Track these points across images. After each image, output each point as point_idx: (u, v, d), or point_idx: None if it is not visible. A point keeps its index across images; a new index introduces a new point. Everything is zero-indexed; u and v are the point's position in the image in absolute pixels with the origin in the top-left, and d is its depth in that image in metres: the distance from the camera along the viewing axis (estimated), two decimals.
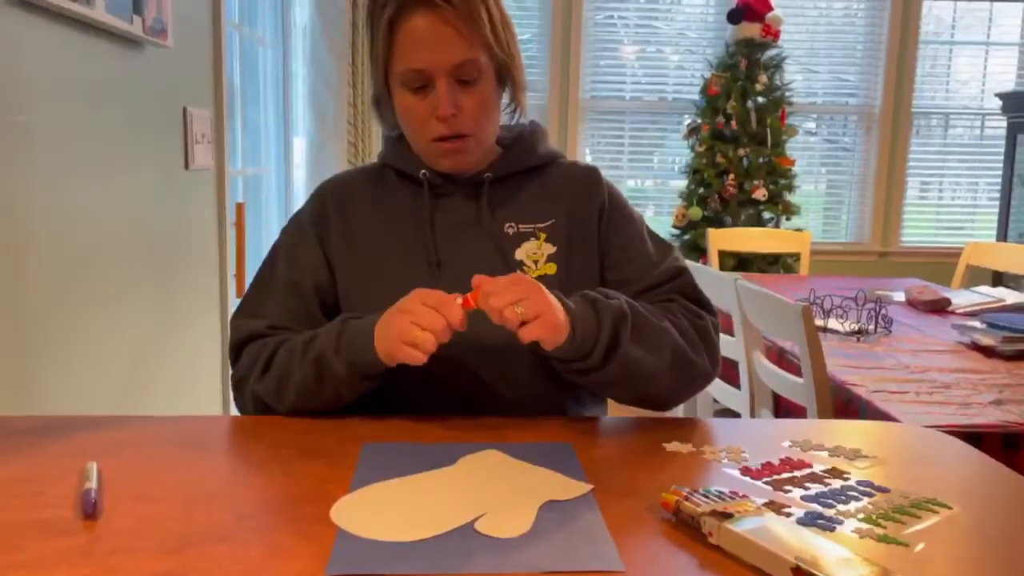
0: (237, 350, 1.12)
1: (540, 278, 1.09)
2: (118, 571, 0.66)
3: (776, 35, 4.24)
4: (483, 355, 1.07)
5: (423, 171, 1.12)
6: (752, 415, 2.14)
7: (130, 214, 1.80)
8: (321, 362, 1.01)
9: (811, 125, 4.81)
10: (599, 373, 1.01)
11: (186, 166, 2.08)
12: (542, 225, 1.13)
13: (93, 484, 0.79)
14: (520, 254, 1.11)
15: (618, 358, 1.00)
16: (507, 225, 1.12)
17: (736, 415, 2.27)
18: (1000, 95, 4.43)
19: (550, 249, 1.11)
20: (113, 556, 0.69)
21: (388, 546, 0.71)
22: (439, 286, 1.06)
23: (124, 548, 0.70)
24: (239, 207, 2.41)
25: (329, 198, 1.17)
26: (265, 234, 3.10)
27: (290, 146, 3.36)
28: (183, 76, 2.06)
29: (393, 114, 1.12)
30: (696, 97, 4.42)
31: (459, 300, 0.95)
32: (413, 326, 0.93)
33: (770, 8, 4.22)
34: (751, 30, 4.20)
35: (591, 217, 1.14)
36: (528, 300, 0.93)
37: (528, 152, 1.16)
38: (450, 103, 1.04)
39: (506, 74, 1.10)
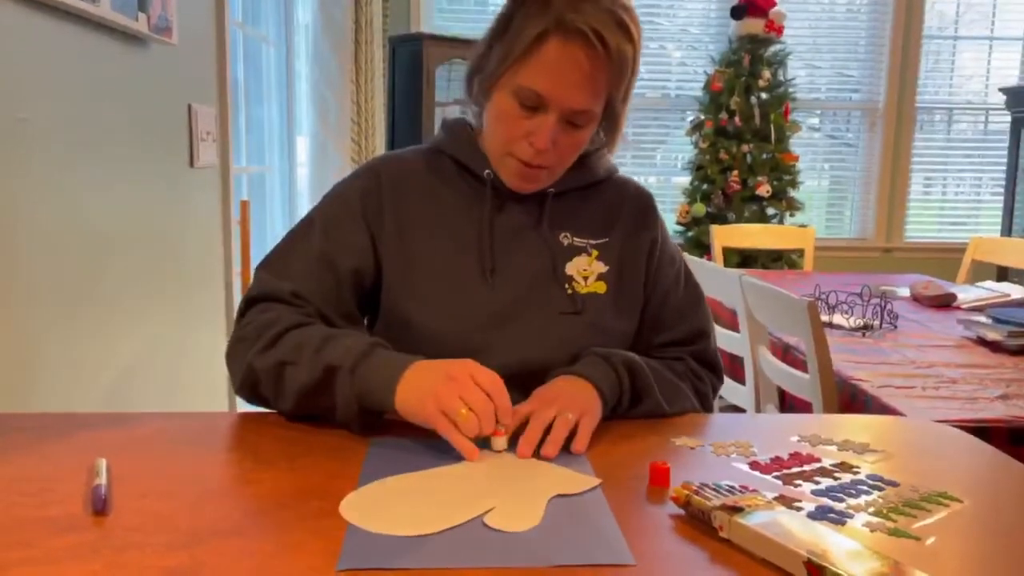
0: (250, 303, 1.05)
1: (589, 295, 1.08)
2: (128, 566, 0.66)
3: (779, 31, 4.23)
4: (514, 378, 1.03)
5: (487, 171, 1.08)
6: (758, 411, 2.14)
7: (134, 211, 1.80)
8: (332, 372, 0.94)
9: (815, 121, 4.80)
10: (629, 413, 1.05)
11: (191, 163, 2.08)
12: (595, 242, 1.11)
13: (103, 480, 0.79)
14: (571, 269, 1.09)
15: (645, 402, 1.04)
16: (562, 235, 1.10)
17: (741, 411, 2.27)
18: (1004, 90, 4.41)
19: (601, 268, 1.10)
20: (123, 552, 0.69)
21: (398, 540, 0.70)
22: (491, 291, 1.05)
23: (134, 544, 0.70)
24: (243, 205, 2.41)
25: (385, 177, 1.09)
26: (269, 232, 3.11)
27: (294, 144, 3.36)
28: (187, 73, 2.07)
29: (482, 96, 1.05)
30: (699, 93, 4.41)
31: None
32: (460, 401, 0.86)
33: (773, 4, 4.21)
34: (754, 26, 4.19)
35: (642, 248, 1.14)
36: (563, 406, 0.93)
37: (591, 169, 1.13)
38: (550, 139, 0.99)
39: (612, 123, 1.07)
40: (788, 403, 2.05)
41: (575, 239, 1.11)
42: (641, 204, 1.16)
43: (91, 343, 1.62)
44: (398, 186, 1.10)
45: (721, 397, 2.41)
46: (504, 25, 1.01)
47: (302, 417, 1.00)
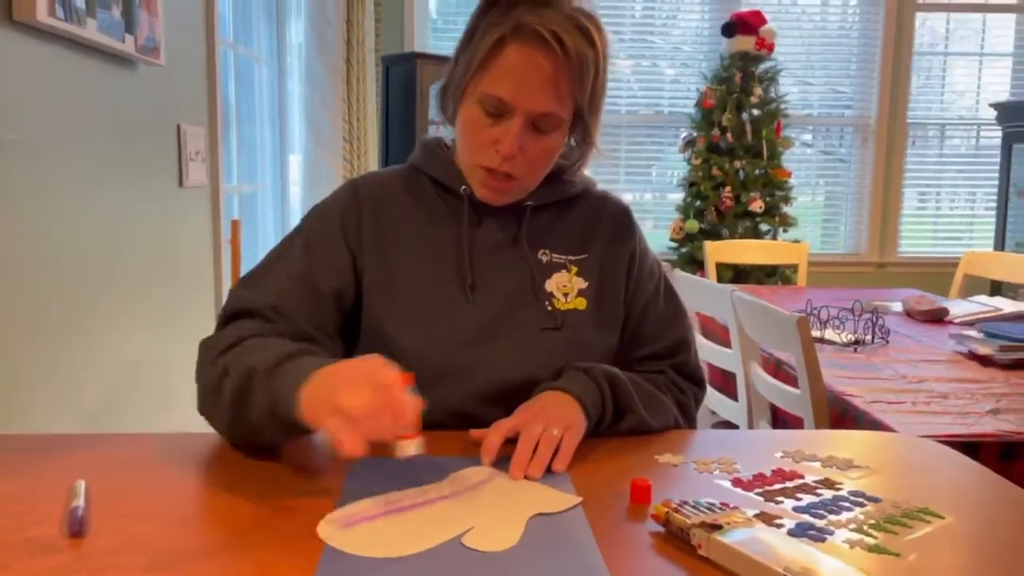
0: (228, 319, 1.02)
1: (569, 312, 1.08)
2: None
3: (770, 48, 4.26)
4: (486, 399, 1.04)
5: (464, 187, 1.08)
6: (750, 427, 2.14)
7: (122, 232, 1.80)
8: (251, 376, 0.88)
9: (808, 137, 4.82)
10: (613, 429, 1.04)
11: (180, 183, 2.08)
12: (574, 258, 1.11)
13: (81, 502, 0.79)
14: (550, 285, 1.09)
15: (628, 417, 1.04)
16: (541, 252, 1.10)
17: (734, 427, 2.26)
18: (995, 105, 4.44)
19: (581, 284, 1.10)
20: (99, 574, 0.68)
21: (374, 562, 0.70)
22: (472, 309, 1.05)
23: (110, 566, 0.69)
24: (234, 224, 2.41)
25: (364, 194, 1.09)
26: (262, 250, 3.11)
27: (286, 162, 3.37)
28: (177, 94, 2.07)
29: (453, 109, 1.06)
30: (692, 110, 4.44)
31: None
32: (354, 398, 0.78)
33: (764, 22, 4.24)
34: (745, 43, 4.22)
35: (622, 263, 1.13)
36: (549, 422, 0.93)
37: (568, 184, 1.13)
38: (516, 144, 0.99)
39: (582, 131, 1.07)
40: (781, 419, 2.05)
41: (554, 255, 1.11)
42: (619, 218, 1.16)
43: (78, 364, 1.62)
44: (377, 205, 1.09)
45: (714, 413, 2.41)
46: (469, 37, 1.02)
47: (247, 450, 0.94)
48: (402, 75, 3.88)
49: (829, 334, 2.24)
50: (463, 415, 1.03)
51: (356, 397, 0.78)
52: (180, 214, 2.11)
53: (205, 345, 1.00)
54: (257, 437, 0.91)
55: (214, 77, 2.26)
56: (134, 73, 1.82)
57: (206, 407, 0.97)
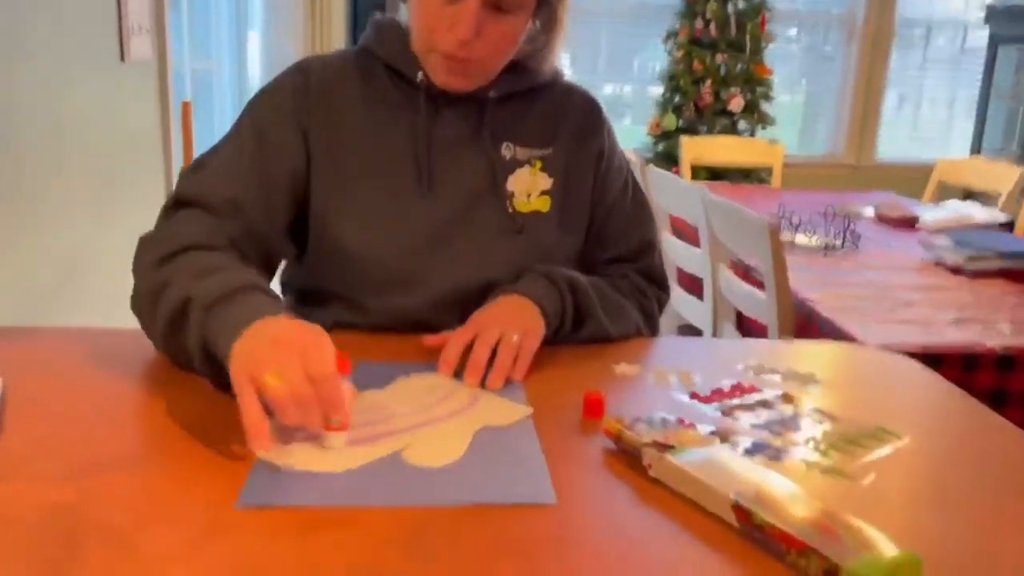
0: (176, 206, 0.93)
1: (531, 214, 1.01)
2: (11, 498, 0.61)
3: None
4: (440, 305, 0.99)
5: (420, 75, 0.99)
6: (714, 331, 2.12)
7: (56, 110, 1.67)
8: (186, 304, 0.79)
9: (793, 33, 4.67)
10: (572, 336, 1.00)
11: (122, 58, 1.94)
12: (539, 152, 1.04)
13: None
14: (512, 184, 1.01)
15: (588, 324, 1.00)
16: (504, 146, 1.02)
17: (698, 332, 2.25)
18: (987, 6, 4.30)
19: (545, 182, 1.03)
20: (8, 482, 0.64)
21: (307, 475, 0.66)
22: (427, 208, 0.98)
23: (20, 473, 0.65)
24: (185, 105, 2.27)
25: (315, 79, 1.00)
26: (218, 134, 2.97)
27: (244, 40, 3.17)
28: None
29: None
30: (676, 1, 4.26)
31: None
32: (274, 372, 0.67)
33: None
34: None
35: (589, 160, 1.06)
36: (506, 327, 0.88)
37: (534, 72, 1.04)
38: (473, 28, 0.89)
39: (548, 13, 0.97)
40: (745, 322, 2.04)
41: (518, 149, 1.03)
42: (587, 111, 1.08)
43: (9, 256, 1.53)
44: (326, 91, 1.00)
45: (679, 316, 2.39)
46: None
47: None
48: None
49: (800, 238, 2.21)
50: (415, 322, 0.97)
51: (284, 381, 0.67)
52: (123, 92, 1.98)
53: (148, 241, 0.91)
54: (188, 363, 0.82)
55: None
56: None
57: (140, 311, 0.89)
